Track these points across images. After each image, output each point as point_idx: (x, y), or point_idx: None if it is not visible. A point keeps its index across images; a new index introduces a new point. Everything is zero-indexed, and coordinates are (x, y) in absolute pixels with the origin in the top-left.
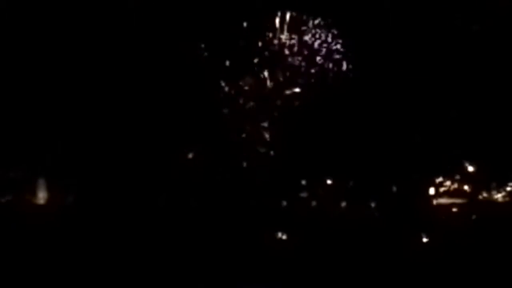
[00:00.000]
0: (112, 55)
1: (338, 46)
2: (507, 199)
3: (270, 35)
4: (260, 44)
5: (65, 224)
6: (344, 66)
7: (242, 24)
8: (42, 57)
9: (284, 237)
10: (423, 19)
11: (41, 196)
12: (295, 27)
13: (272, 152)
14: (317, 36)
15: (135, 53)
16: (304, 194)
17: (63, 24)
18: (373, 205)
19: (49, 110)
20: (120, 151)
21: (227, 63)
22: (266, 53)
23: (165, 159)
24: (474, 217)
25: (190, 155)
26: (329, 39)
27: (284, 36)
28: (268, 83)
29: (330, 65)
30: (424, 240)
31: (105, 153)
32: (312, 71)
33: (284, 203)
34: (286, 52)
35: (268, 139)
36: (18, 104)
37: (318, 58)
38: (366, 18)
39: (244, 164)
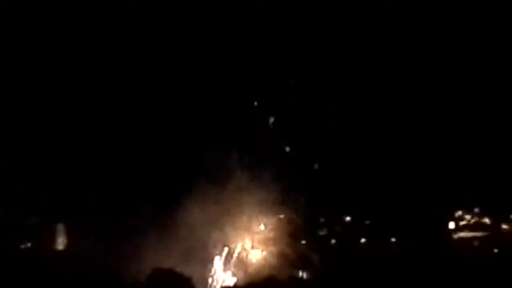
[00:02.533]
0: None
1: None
2: None
3: None
4: None
5: (84, 268)
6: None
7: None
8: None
9: (305, 275)
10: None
11: (60, 242)
12: None
13: (291, 192)
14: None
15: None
16: (323, 232)
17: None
18: (393, 240)
19: (67, 160)
20: (135, 196)
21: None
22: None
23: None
24: (496, 250)
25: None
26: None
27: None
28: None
29: (349, 109)
30: (446, 273)
31: (122, 198)
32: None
33: (304, 241)
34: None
35: (286, 179)
36: (36, 155)
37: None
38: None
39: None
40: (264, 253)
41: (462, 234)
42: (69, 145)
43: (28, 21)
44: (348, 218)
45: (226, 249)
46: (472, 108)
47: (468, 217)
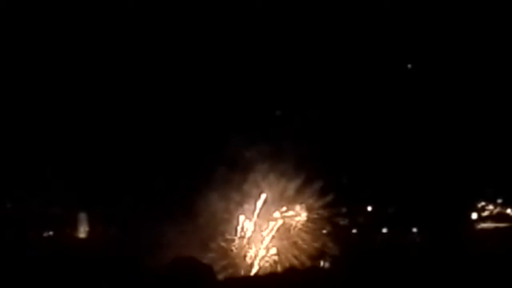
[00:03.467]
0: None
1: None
2: None
3: None
4: None
5: (106, 255)
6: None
7: None
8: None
9: (327, 264)
10: None
11: (82, 230)
12: None
13: (313, 181)
14: None
15: None
16: (344, 221)
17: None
18: (414, 230)
19: (89, 150)
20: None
21: None
22: None
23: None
24: None
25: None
26: None
27: None
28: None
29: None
30: (468, 263)
31: (143, 187)
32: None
33: (325, 230)
34: None
35: (308, 168)
36: (58, 145)
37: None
38: None
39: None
40: (285, 242)
41: (485, 225)
42: (92, 135)
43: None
44: (369, 208)
45: (248, 235)
46: (493, 100)
47: (490, 207)
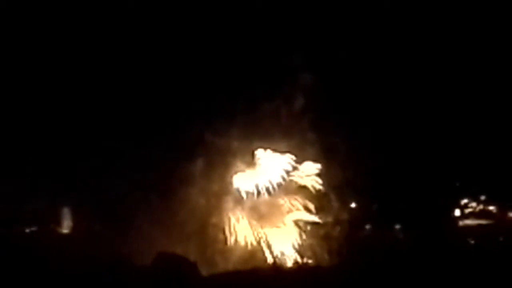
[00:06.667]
0: None
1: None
2: None
3: None
4: None
5: (89, 251)
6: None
7: None
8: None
9: (310, 261)
10: None
11: (66, 225)
12: None
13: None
14: None
15: None
16: (328, 219)
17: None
18: (397, 227)
19: (73, 145)
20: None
21: None
22: None
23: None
24: (501, 238)
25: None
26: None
27: None
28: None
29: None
30: (450, 260)
31: (126, 183)
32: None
33: (309, 227)
34: None
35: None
36: (42, 141)
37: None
38: None
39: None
40: (269, 239)
41: (468, 222)
42: (74, 131)
43: None
44: (353, 205)
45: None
46: (480, 97)
47: (473, 204)
